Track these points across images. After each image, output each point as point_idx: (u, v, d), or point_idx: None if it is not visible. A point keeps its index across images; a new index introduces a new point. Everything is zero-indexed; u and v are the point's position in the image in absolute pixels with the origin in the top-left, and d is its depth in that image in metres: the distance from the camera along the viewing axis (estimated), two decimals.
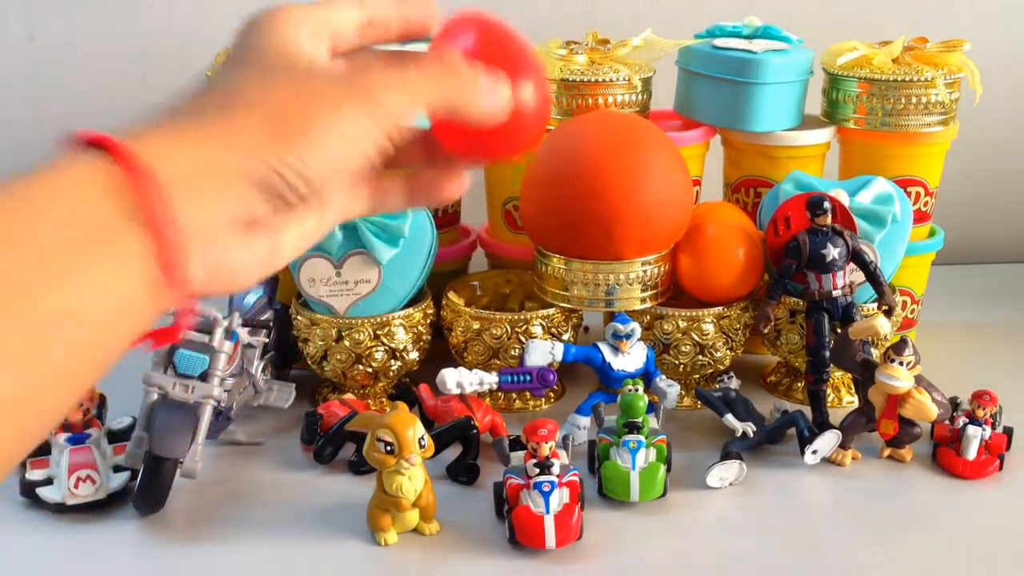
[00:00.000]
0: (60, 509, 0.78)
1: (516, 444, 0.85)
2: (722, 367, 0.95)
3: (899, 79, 0.95)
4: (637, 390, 0.81)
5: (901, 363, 0.82)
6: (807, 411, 0.89)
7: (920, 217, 1.01)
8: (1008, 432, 0.86)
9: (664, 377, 0.90)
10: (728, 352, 0.94)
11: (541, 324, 0.92)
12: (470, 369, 0.85)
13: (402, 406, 0.78)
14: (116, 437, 0.85)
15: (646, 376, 0.88)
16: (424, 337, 0.94)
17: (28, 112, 1.29)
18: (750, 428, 0.86)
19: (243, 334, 0.82)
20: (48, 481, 0.79)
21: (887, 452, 0.87)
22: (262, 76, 0.36)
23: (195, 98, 0.36)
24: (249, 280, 0.36)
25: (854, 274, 0.91)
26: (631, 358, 0.88)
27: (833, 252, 0.88)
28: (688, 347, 0.92)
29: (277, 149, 0.34)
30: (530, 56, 0.43)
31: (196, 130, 0.34)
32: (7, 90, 1.28)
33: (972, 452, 0.83)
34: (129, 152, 0.31)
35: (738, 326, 0.94)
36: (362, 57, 0.40)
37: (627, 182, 0.86)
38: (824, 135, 1.01)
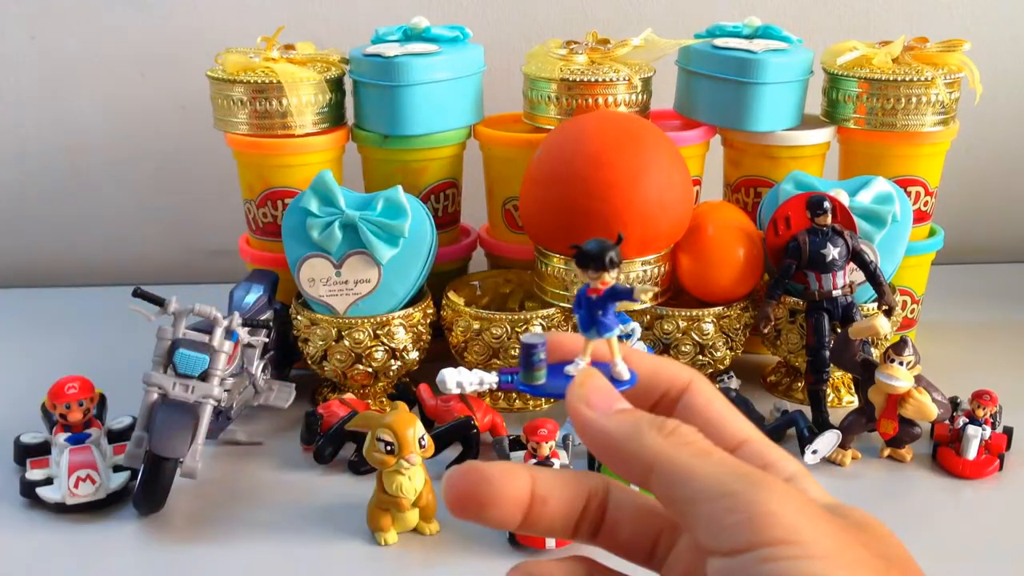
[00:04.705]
0: (60, 509, 0.78)
1: (516, 444, 0.85)
2: (722, 367, 0.95)
3: (899, 79, 0.95)
4: None
5: (901, 363, 0.82)
6: (807, 411, 0.89)
7: (920, 217, 1.01)
8: (1008, 432, 0.86)
9: None
10: (728, 352, 0.94)
11: (541, 324, 0.92)
12: (470, 369, 0.85)
13: (402, 406, 0.78)
14: (116, 437, 0.85)
15: None
16: (424, 337, 0.94)
17: (28, 112, 1.29)
18: None
19: (243, 334, 0.82)
20: (48, 481, 0.79)
21: (887, 452, 0.87)
22: None
23: None
24: None
25: (854, 274, 0.91)
26: None
27: (833, 252, 0.88)
28: (688, 347, 0.92)
29: None
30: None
31: None
32: (7, 90, 1.28)
33: (972, 452, 0.83)
34: None
35: (738, 326, 0.94)
36: None
37: (627, 182, 0.86)
38: (824, 135, 1.01)
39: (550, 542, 0.72)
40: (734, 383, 0.92)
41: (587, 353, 0.33)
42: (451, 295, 0.97)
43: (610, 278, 0.32)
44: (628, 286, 0.32)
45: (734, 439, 0.31)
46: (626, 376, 0.32)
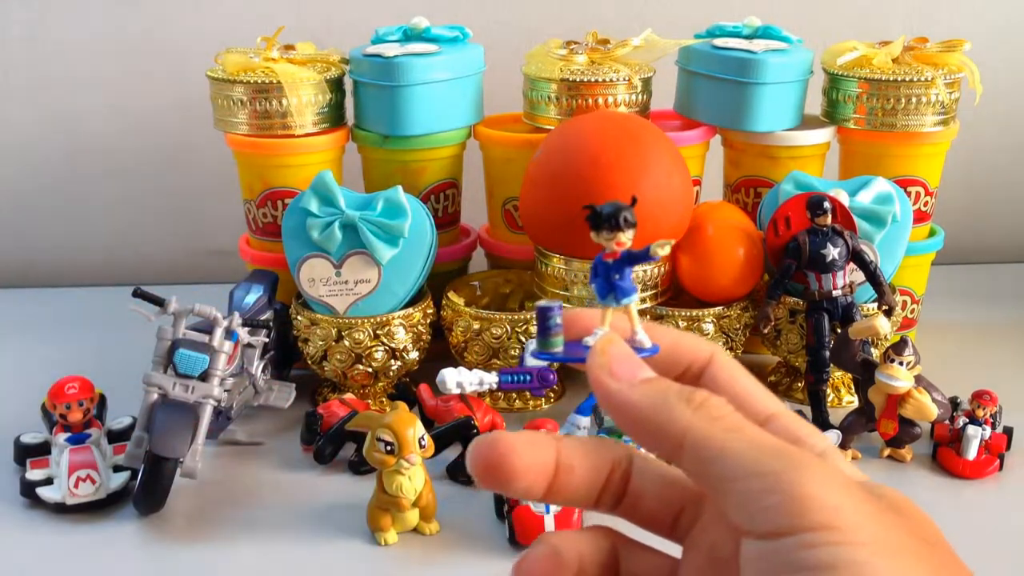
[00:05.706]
0: (60, 509, 0.78)
1: None
2: None
3: (899, 79, 0.95)
4: None
5: (901, 363, 0.82)
6: (807, 411, 0.89)
7: (920, 217, 1.01)
8: (1008, 432, 0.86)
9: None
10: (728, 352, 0.94)
11: None
12: (470, 369, 0.85)
13: (402, 406, 0.78)
14: (116, 437, 0.85)
15: None
16: (424, 337, 0.94)
17: (28, 112, 1.29)
18: None
19: (243, 334, 0.82)
20: (48, 481, 0.79)
21: (887, 452, 0.87)
22: None
23: None
24: None
25: (854, 274, 0.91)
26: None
27: (833, 252, 0.88)
28: None
29: None
30: None
31: None
32: (7, 90, 1.28)
33: (972, 452, 0.83)
34: None
35: (738, 326, 0.94)
36: None
37: (627, 182, 0.86)
38: (824, 135, 1.01)
39: None
40: None
41: (606, 323, 0.32)
42: (451, 295, 0.97)
43: (625, 239, 0.31)
44: (644, 248, 0.31)
45: (762, 414, 0.30)
46: (648, 344, 0.31)
